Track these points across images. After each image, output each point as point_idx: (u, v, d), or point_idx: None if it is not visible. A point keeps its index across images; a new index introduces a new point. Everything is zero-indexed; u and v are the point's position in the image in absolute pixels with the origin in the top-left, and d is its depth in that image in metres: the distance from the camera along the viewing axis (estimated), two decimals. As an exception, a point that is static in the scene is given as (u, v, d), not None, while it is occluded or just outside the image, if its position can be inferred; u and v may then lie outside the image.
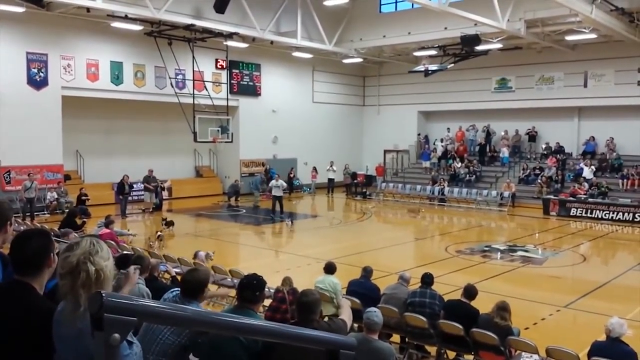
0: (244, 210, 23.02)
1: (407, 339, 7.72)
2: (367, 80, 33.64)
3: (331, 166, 28.60)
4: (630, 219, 20.35)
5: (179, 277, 8.07)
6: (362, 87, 33.84)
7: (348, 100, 32.82)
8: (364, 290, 8.08)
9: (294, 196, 28.08)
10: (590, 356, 6.13)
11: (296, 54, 26.73)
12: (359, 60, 29.10)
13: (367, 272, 8.52)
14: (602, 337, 6.25)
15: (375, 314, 4.99)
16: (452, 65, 24.47)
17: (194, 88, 23.70)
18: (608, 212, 20.89)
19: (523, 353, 6.78)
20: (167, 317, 1.86)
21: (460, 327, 6.92)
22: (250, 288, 3.72)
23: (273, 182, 20.79)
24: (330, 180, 28.79)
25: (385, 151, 32.55)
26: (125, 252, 9.77)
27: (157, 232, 15.14)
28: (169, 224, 17.19)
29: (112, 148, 23.95)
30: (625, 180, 22.75)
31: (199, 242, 16.83)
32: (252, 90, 27.86)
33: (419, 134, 31.11)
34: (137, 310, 1.69)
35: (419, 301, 7.55)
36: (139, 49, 23.09)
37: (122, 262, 5.71)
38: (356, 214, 23.75)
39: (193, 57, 23.38)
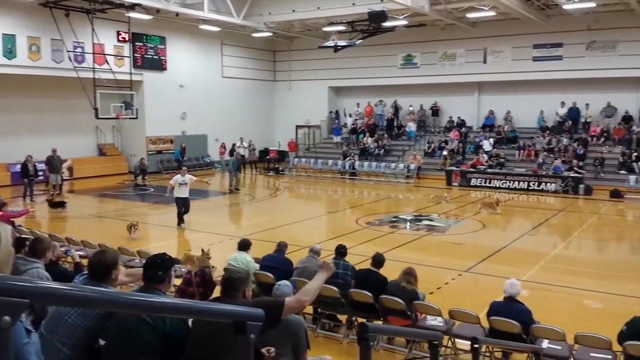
0: (152, 189, 22.30)
1: (319, 309, 7.89)
2: (278, 55, 33.40)
3: (241, 142, 28.29)
4: (525, 187, 21.87)
5: (83, 261, 7.73)
6: (272, 62, 33.55)
7: (259, 76, 32.45)
8: (277, 264, 8.13)
9: (206, 173, 27.56)
10: (489, 316, 6.57)
11: (203, 27, 25.98)
12: (269, 34, 28.77)
13: (280, 246, 8.58)
14: (501, 298, 6.72)
15: (283, 286, 5.03)
16: (361, 41, 24.80)
17: (94, 62, 22.43)
18: (505, 181, 22.32)
19: (428, 316, 7.15)
20: (61, 298, 1.78)
21: (370, 294, 7.16)
22: (153, 267, 3.61)
23: (178, 178, 14.71)
24: (241, 156, 28.48)
25: (297, 127, 32.65)
26: (23, 235, 9.18)
27: (130, 224, 13.41)
28: (57, 205, 16.35)
29: (6, 127, 22.26)
30: (521, 151, 24.30)
31: (105, 224, 16.17)
32: (158, 65, 26.82)
33: (330, 112, 31.43)
34: (29, 291, 1.61)
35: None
36: (33, 20, 21.55)
37: (19, 245, 5.37)
38: (269, 190, 23.74)
39: (92, 29, 22.06)
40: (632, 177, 20.82)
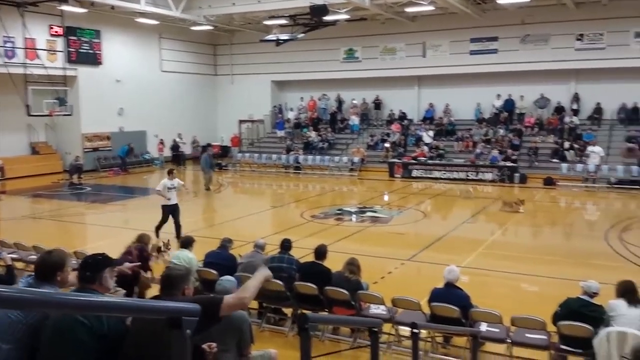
0: (89, 188, 21.56)
1: (264, 304, 7.86)
2: (219, 49, 32.93)
3: (180, 138, 27.77)
4: (464, 177, 22.51)
5: (16, 264, 7.39)
6: (213, 55, 33.06)
7: (199, 70, 31.91)
8: (220, 260, 8.04)
9: (145, 170, 26.92)
10: (430, 302, 6.73)
11: (140, 20, 25.26)
12: (209, 28, 28.30)
13: (224, 242, 8.48)
14: (441, 285, 6.90)
15: (225, 281, 4.98)
16: (303, 35, 24.75)
17: (25, 57, 21.45)
18: (445, 172, 22.91)
19: (371, 305, 7.26)
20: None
21: (315, 286, 7.20)
22: (84, 268, 3.52)
23: (166, 182, 12.86)
24: (182, 152, 28.00)
25: (240, 121, 32.33)
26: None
27: (159, 245, 10.67)
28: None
29: None
30: (459, 142, 24.98)
31: (40, 225, 15.52)
32: (93, 59, 25.90)
33: (274, 106, 31.30)
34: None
35: (277, 266, 7.69)
36: (-43, 13, 20.34)
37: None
38: (212, 185, 23.39)
39: (23, 23, 21.06)
40: (564, 165, 21.78)
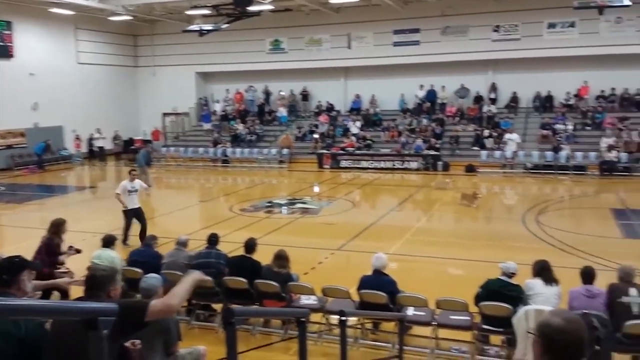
0: (3, 188, 20.32)
1: (193, 301, 7.71)
2: (140, 40, 31.82)
3: (99, 133, 26.68)
4: (391, 166, 23.03)
5: None
6: (133, 47, 31.91)
7: (119, 61, 30.71)
8: (145, 258, 7.80)
9: (64, 167, 25.71)
10: (359, 289, 6.85)
11: (55, 10, 23.97)
12: (128, 18, 27.24)
13: (148, 240, 8.24)
14: (370, 272, 7.02)
15: (150, 278, 4.84)
16: (227, 25, 24.34)
17: None
18: (372, 161, 23.35)
19: (302, 296, 7.29)
20: None
21: (244, 280, 7.13)
22: (0, 271, 3.34)
23: (126, 184, 11.54)
24: (100, 148, 26.92)
25: (164, 114, 31.45)
26: None
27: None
28: None
29: None
30: (385, 132, 25.49)
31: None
32: (4, 52, 24.34)
33: (200, 98, 30.67)
34: None
35: (204, 262, 7.56)
36: None
37: None
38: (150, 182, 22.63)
39: None
40: (484, 153, 22.72)
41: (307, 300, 7.18)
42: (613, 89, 23.89)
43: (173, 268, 7.44)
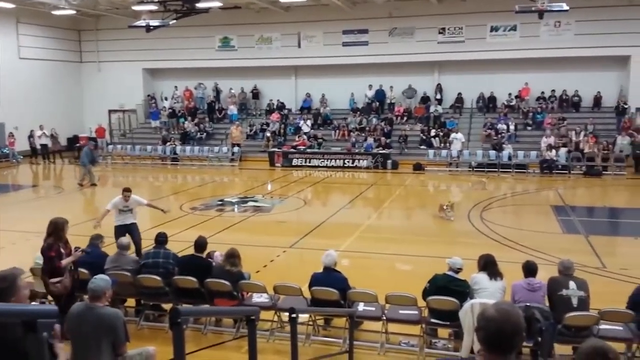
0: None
1: (142, 301, 7.59)
2: (84, 35, 30.85)
3: (42, 130, 25.73)
4: (341, 164, 23.25)
5: None
6: (78, 42, 30.91)
7: (63, 57, 29.69)
8: (91, 259, 7.59)
9: (5, 166, 24.66)
10: (310, 287, 6.91)
11: (-8, 1, 22.95)
12: (72, 12, 26.33)
13: (94, 240, 8.02)
14: (321, 269, 7.09)
15: (99, 280, 4.75)
16: (174, 21, 23.92)
17: None
18: (323, 160, 23.51)
19: (254, 294, 7.29)
20: None
21: (195, 280, 7.07)
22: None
23: (118, 202, 10.23)
24: (43, 146, 25.95)
25: (110, 111, 30.63)
26: None
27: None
28: None
29: None
30: (336, 131, 25.69)
31: None
32: (-64, 44, 23.14)
33: (148, 95, 30.02)
34: None
35: (152, 262, 7.46)
36: None
37: None
38: (96, 181, 21.97)
39: None
40: (431, 152, 23.24)
41: (258, 298, 7.19)
42: (552, 90, 24.91)
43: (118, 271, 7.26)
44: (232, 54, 28.32)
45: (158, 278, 7.18)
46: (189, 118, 27.86)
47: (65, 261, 6.64)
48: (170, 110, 28.69)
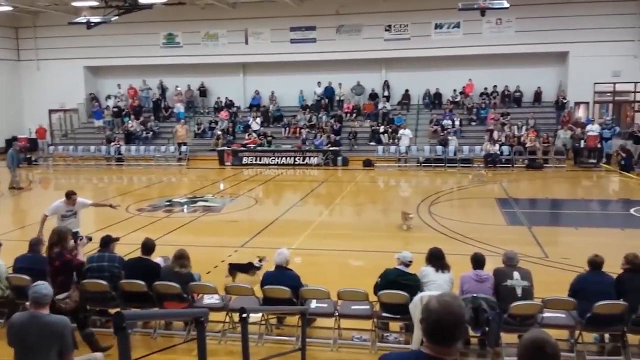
0: None
1: (88, 307, 7.33)
2: (22, 32, 29.60)
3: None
4: (292, 162, 23.21)
5: None
6: (15, 39, 29.64)
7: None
8: (32, 265, 7.28)
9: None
10: (262, 286, 6.86)
11: None
12: (8, 9, 25.20)
13: (34, 245, 7.68)
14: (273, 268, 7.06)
15: (39, 287, 4.56)
16: (117, 18, 23.25)
17: None
18: (274, 158, 23.41)
19: (205, 296, 7.17)
20: None
21: (143, 283, 6.90)
22: None
23: (61, 207, 9.48)
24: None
25: (51, 111, 29.51)
26: None
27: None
28: None
29: None
30: (286, 129, 25.62)
31: None
32: None
33: (91, 94, 29.07)
34: None
35: (97, 266, 7.21)
36: None
37: None
38: (22, 183, 21.09)
39: None
40: (380, 148, 23.52)
41: (210, 300, 7.08)
42: (495, 86, 25.65)
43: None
44: (178, 51, 27.78)
45: (104, 283, 6.96)
46: (133, 117, 27.14)
47: (80, 256, 6.60)
48: (115, 110, 27.90)
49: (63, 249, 6.46)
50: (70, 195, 9.39)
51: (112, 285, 7.00)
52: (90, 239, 7.07)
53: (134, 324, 6.33)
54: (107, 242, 7.43)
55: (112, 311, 7.40)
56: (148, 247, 7.28)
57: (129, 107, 27.95)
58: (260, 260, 8.81)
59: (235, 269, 8.78)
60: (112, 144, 25.22)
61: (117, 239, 7.37)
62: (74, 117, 28.93)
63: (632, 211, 14.06)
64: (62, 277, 6.40)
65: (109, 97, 28.75)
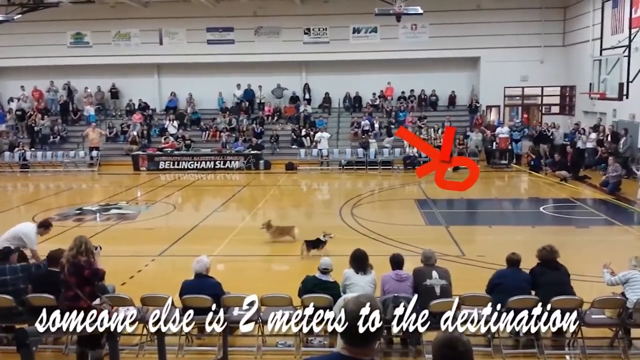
0: None
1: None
2: None
3: None
4: (212, 166, 22.72)
5: None
6: None
7: None
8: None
9: None
10: (181, 295, 6.58)
11: None
12: None
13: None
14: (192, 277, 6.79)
15: None
16: (20, 16, 21.85)
17: None
18: (193, 162, 22.83)
19: (120, 308, 6.78)
20: None
21: (52, 297, 6.43)
22: None
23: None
24: None
25: (-55, 115, 27.21)
26: None
27: None
28: None
29: None
30: (205, 132, 25.06)
31: None
32: None
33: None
34: None
35: (-1, 280, 6.65)
36: None
37: None
38: None
39: None
40: (302, 151, 23.51)
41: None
42: (412, 90, 26.39)
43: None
44: (87, 51, 26.47)
45: (8, 297, 6.44)
46: (39, 116, 25.52)
47: (99, 263, 6.27)
48: (19, 113, 26.15)
49: (89, 258, 6.12)
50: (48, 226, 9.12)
51: (18, 299, 6.49)
52: (101, 248, 6.69)
53: (39, 340, 5.86)
54: (7, 254, 6.89)
55: (20, 327, 6.88)
56: (54, 258, 6.77)
57: (34, 109, 26.28)
58: (325, 236, 10.14)
59: (309, 245, 10.11)
60: (16, 149, 23.61)
61: (17, 250, 6.77)
62: (-28, 121, 26.83)
63: (541, 209, 14.87)
64: (89, 287, 5.99)
65: (11, 100, 26.91)
